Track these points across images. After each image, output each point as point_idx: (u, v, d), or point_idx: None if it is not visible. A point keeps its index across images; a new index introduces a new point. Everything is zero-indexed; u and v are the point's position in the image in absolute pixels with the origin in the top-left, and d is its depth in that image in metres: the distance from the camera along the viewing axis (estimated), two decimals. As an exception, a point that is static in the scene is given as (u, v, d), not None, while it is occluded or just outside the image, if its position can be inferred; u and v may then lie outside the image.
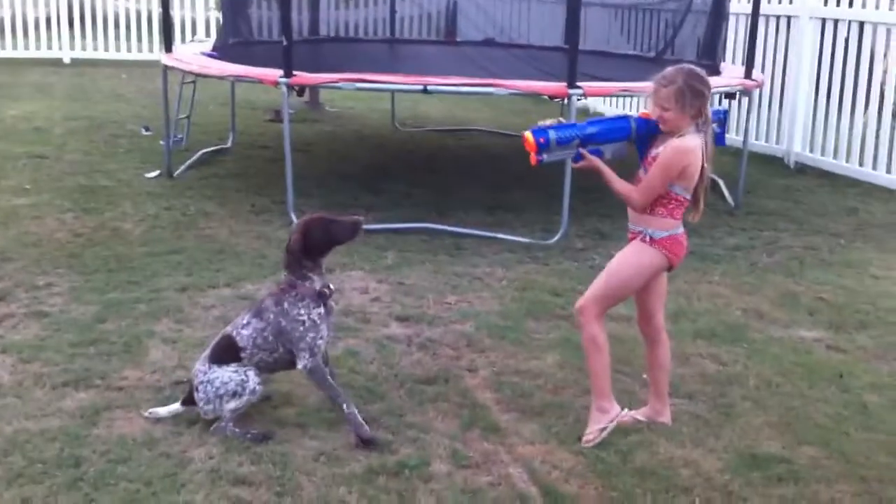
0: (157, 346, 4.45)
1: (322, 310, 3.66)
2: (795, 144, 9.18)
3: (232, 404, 3.64)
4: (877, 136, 8.51)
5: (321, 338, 3.64)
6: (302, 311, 3.61)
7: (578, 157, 3.69)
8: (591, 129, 3.69)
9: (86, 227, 6.33)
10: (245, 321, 3.72)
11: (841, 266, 6.11)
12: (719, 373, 4.40)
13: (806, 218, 7.32)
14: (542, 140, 3.64)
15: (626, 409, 3.83)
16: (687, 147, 3.57)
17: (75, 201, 6.96)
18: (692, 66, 3.66)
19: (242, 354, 3.69)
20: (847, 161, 8.64)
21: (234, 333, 3.72)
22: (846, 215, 7.47)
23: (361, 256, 5.86)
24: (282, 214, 6.69)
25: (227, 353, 3.71)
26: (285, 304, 3.64)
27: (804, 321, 5.11)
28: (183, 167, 8.11)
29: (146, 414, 3.72)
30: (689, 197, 3.64)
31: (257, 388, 3.68)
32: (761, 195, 8.00)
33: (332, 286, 3.75)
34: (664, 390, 3.89)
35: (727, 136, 8.71)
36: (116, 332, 4.59)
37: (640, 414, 3.86)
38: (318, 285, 3.67)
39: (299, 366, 3.64)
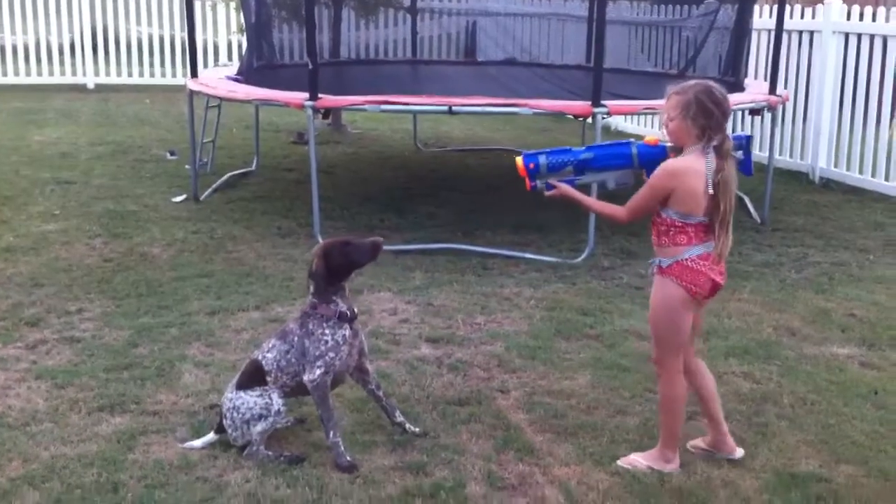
0: (190, 370, 4.47)
1: (346, 332, 3.66)
2: (820, 160, 9.13)
3: (259, 427, 3.65)
4: (902, 150, 8.48)
5: (339, 359, 3.65)
6: (326, 332, 3.63)
7: (549, 187, 3.55)
8: (587, 155, 3.57)
9: (115, 252, 6.38)
10: (270, 345, 3.75)
11: (871, 282, 6.06)
12: (753, 391, 4.37)
13: (833, 233, 7.27)
14: (531, 165, 3.54)
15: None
16: (676, 169, 3.39)
17: (104, 226, 7.02)
18: (713, 84, 3.45)
19: (268, 378, 3.71)
20: (873, 176, 8.60)
21: (260, 357, 3.74)
22: (874, 230, 7.42)
23: (389, 277, 5.88)
24: (308, 237, 6.71)
25: (253, 377, 3.73)
26: (310, 325, 3.65)
27: (836, 338, 5.07)
28: (209, 191, 8.17)
29: (182, 446, 3.73)
30: (691, 222, 3.41)
31: (282, 408, 3.70)
32: (787, 211, 7.97)
33: (355, 309, 3.75)
34: (719, 417, 3.73)
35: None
36: (149, 357, 4.62)
37: (703, 442, 3.78)
38: (342, 307, 3.68)
39: (306, 377, 3.63)
